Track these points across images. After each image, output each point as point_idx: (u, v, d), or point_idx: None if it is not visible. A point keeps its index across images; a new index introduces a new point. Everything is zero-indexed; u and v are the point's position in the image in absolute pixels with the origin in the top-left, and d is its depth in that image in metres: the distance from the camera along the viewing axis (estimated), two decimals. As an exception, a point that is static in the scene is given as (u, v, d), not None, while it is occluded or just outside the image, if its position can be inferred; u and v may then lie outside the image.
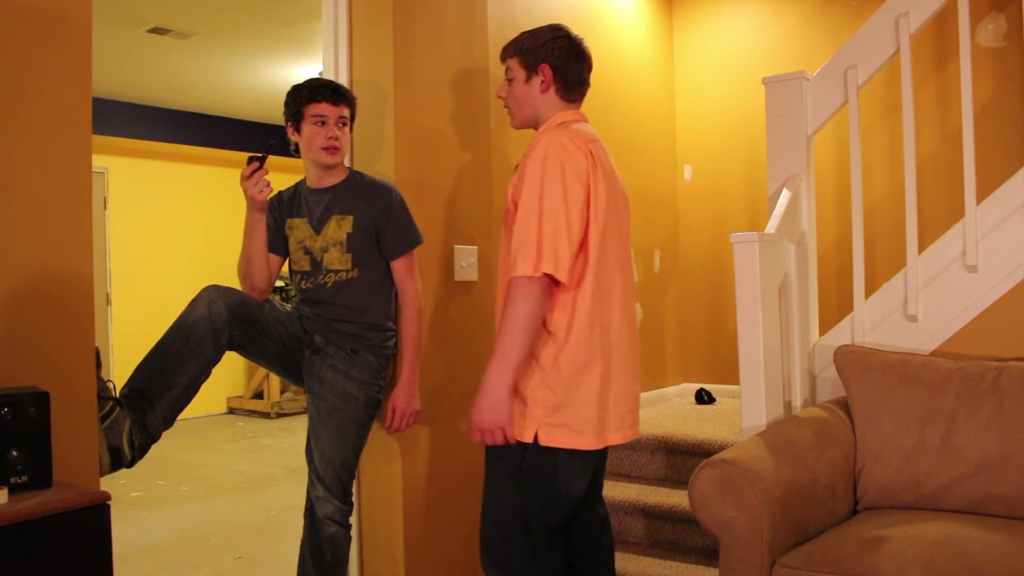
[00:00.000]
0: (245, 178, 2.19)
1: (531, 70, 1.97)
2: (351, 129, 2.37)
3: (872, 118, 3.72)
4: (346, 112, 2.31)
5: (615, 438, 1.87)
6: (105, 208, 6.77)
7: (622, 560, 2.78)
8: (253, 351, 2.27)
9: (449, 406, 2.67)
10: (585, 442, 1.81)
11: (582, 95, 2.03)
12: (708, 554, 2.78)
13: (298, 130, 2.32)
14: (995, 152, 3.27)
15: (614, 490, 3.03)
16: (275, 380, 7.28)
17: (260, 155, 2.20)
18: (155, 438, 2.06)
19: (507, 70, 2.02)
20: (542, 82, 1.96)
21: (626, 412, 1.90)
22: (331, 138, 2.28)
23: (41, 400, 1.48)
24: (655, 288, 4.20)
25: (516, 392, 1.80)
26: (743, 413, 2.48)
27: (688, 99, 4.44)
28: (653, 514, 2.92)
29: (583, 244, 1.81)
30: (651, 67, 4.28)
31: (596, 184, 1.82)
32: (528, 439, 1.80)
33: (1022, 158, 3.17)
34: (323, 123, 2.27)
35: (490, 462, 1.90)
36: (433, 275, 2.61)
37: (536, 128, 2.00)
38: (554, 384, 1.80)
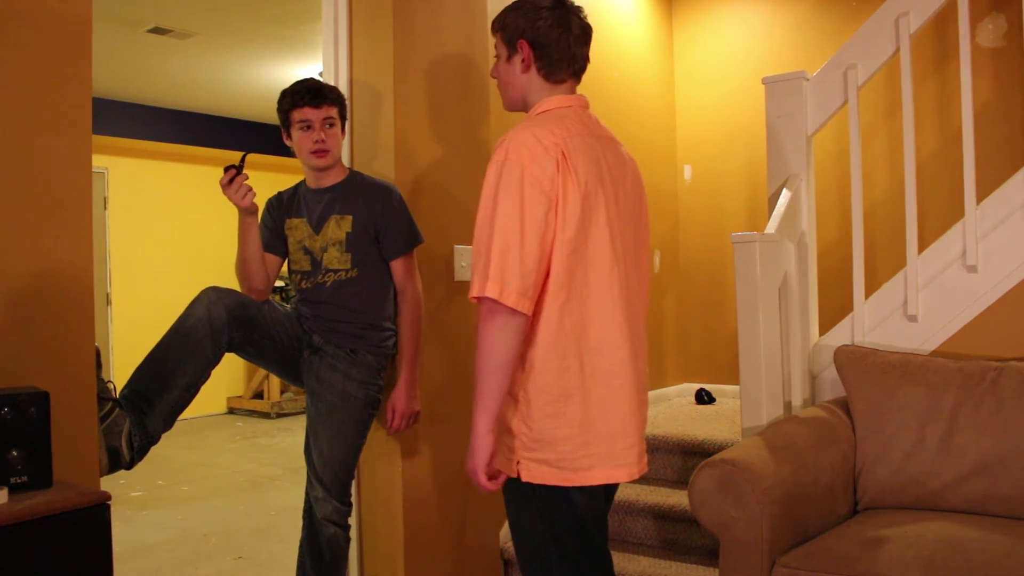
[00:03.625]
0: (225, 186, 2.17)
1: (511, 47, 1.73)
2: (343, 127, 2.35)
3: (872, 118, 3.72)
4: (332, 112, 2.29)
5: (615, 475, 1.65)
6: (105, 208, 6.77)
7: (622, 560, 2.78)
8: (252, 352, 2.28)
9: (449, 406, 2.67)
10: (567, 478, 1.61)
11: (574, 73, 1.75)
12: (708, 554, 2.78)
13: (289, 136, 2.32)
14: (995, 152, 3.27)
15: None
16: (275, 380, 7.28)
17: (236, 164, 2.18)
18: (154, 440, 2.05)
19: (495, 46, 1.79)
20: (522, 60, 1.71)
21: (629, 446, 1.66)
22: (317, 142, 2.27)
23: (41, 400, 1.48)
24: (655, 288, 4.20)
25: (503, 425, 1.64)
26: (743, 413, 2.48)
27: (688, 99, 4.44)
28: (653, 514, 2.92)
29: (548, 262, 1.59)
30: (651, 67, 4.28)
31: (565, 192, 1.58)
32: (514, 473, 1.65)
33: (1022, 158, 3.17)
34: (309, 127, 2.27)
35: (507, 497, 1.73)
36: (433, 275, 2.61)
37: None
38: (526, 418, 1.61)
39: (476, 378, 1.58)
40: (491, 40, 1.78)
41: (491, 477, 1.62)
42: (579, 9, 1.75)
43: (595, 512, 1.75)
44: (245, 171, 2.18)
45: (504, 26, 1.74)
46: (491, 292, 1.52)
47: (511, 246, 1.54)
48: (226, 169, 2.17)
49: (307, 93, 2.27)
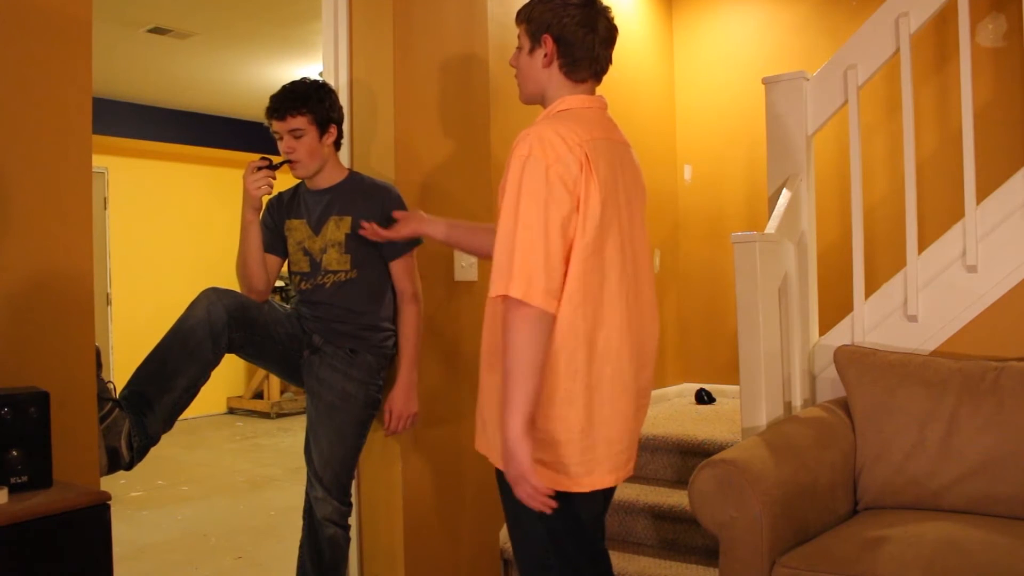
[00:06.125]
0: (251, 171, 2.18)
1: (535, 40, 1.70)
2: (324, 131, 2.27)
3: (872, 118, 3.72)
4: (297, 123, 2.21)
5: (606, 480, 1.64)
6: (105, 208, 6.77)
7: (622, 560, 2.78)
8: (252, 353, 2.27)
9: (448, 407, 2.67)
10: (562, 483, 1.59)
11: (595, 74, 1.73)
12: (708, 554, 2.78)
13: None
14: (995, 152, 3.27)
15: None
16: (275, 380, 7.28)
17: (274, 161, 2.20)
18: (154, 440, 2.05)
19: (518, 36, 1.76)
20: (544, 55, 1.69)
21: (620, 451, 1.65)
22: (286, 152, 2.24)
23: (41, 400, 1.48)
24: (655, 288, 4.20)
25: (500, 421, 1.59)
26: (743, 413, 2.48)
27: (688, 99, 4.43)
28: (653, 514, 2.92)
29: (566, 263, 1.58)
30: (651, 67, 4.28)
31: (588, 194, 1.57)
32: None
33: (1022, 158, 3.17)
34: (280, 139, 2.26)
35: (505, 499, 1.69)
36: (433, 275, 2.61)
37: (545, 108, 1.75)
38: None
39: (509, 379, 1.52)
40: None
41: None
42: (607, 10, 1.73)
43: (594, 514, 1.75)
44: (276, 175, 2.21)
45: (530, 18, 1.71)
46: (515, 292, 1.50)
47: (536, 245, 1.51)
48: (263, 157, 2.20)
49: (272, 105, 2.24)
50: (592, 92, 1.75)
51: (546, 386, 1.58)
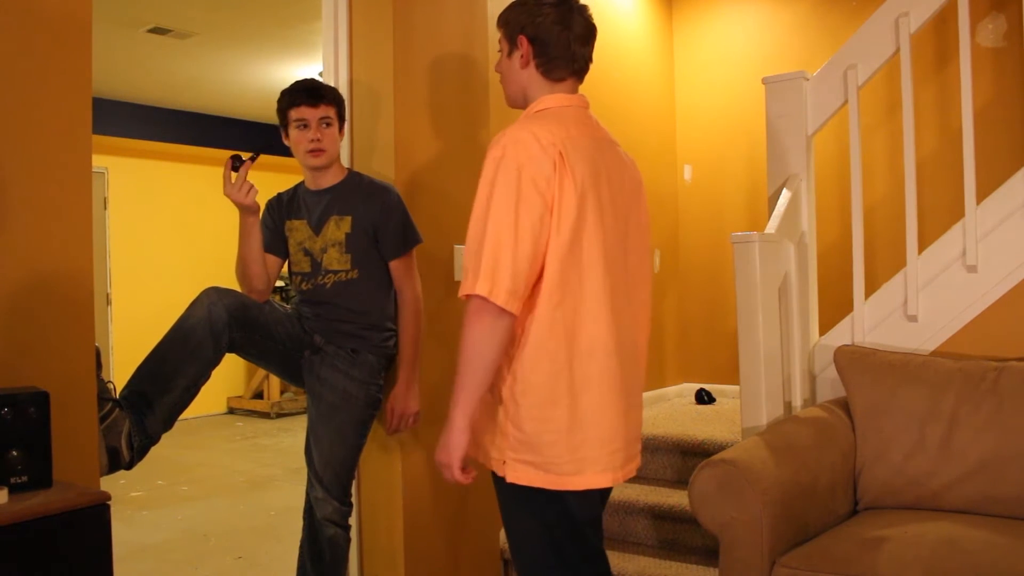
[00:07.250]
0: (226, 182, 2.14)
1: (512, 42, 1.71)
2: (341, 128, 2.34)
3: (872, 118, 3.72)
4: (329, 112, 2.28)
5: (600, 480, 1.62)
6: (105, 208, 6.77)
7: (622, 560, 2.78)
8: (253, 352, 2.27)
9: (449, 406, 2.66)
10: (551, 481, 1.59)
11: (575, 72, 1.72)
12: (708, 554, 2.78)
13: (287, 135, 2.32)
14: (995, 152, 3.27)
15: (613, 489, 3.03)
16: (275, 380, 7.28)
17: (241, 160, 2.15)
18: (154, 440, 2.05)
19: (499, 41, 1.78)
20: (521, 56, 1.70)
21: (615, 451, 1.64)
22: (313, 140, 2.26)
23: (41, 400, 1.48)
24: (655, 288, 4.20)
25: (489, 423, 1.64)
26: (743, 413, 2.48)
27: (688, 99, 4.44)
28: (653, 514, 2.92)
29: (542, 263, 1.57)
30: (651, 67, 4.28)
31: (562, 193, 1.56)
32: (501, 472, 1.63)
33: (1022, 158, 3.17)
34: (305, 126, 2.26)
35: (500, 500, 1.70)
36: (433, 275, 2.61)
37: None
38: (514, 418, 1.60)
39: (458, 375, 1.57)
40: (492, 39, 1.77)
41: (463, 470, 1.62)
42: (583, 8, 1.73)
43: (591, 515, 1.74)
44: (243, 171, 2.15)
45: (507, 21, 1.72)
46: (481, 290, 1.51)
47: (504, 245, 1.52)
48: (232, 166, 2.13)
49: (304, 92, 2.27)
50: (573, 91, 1.74)
51: (530, 387, 1.58)
